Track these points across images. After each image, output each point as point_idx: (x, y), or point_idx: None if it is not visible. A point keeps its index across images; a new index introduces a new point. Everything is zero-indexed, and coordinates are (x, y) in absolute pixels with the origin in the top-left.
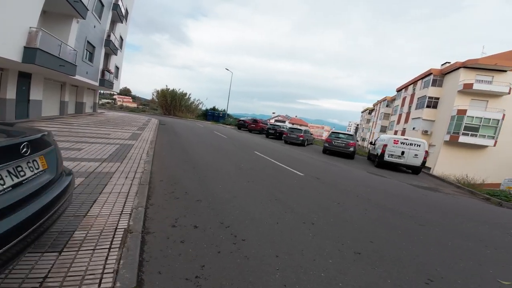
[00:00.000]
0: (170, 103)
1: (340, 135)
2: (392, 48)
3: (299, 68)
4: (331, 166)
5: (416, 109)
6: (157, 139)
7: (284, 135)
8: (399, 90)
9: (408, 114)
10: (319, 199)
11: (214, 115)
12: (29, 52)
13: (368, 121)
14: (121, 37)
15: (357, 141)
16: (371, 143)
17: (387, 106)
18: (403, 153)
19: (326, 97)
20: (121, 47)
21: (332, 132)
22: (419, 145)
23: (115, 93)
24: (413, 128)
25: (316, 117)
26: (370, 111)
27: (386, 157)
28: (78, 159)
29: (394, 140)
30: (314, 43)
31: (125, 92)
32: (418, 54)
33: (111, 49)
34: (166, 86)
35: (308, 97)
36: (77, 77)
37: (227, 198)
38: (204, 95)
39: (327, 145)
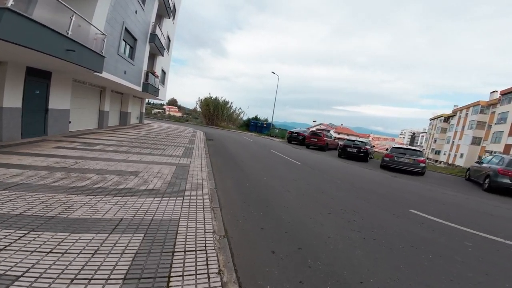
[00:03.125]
0: (213, 112)
1: None
2: (452, 49)
3: (337, 73)
4: None
5: None
6: (216, 181)
7: (387, 158)
8: (505, 93)
9: None
10: None
11: (257, 126)
12: None
13: (444, 130)
14: (168, 36)
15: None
16: None
17: (480, 112)
18: None
19: (368, 102)
20: (168, 48)
21: None
22: None
23: (163, 102)
24: None
25: (356, 125)
26: (447, 118)
27: None
28: None
29: None
30: (355, 47)
31: (172, 102)
32: (485, 55)
33: (157, 48)
34: (209, 94)
35: (346, 103)
36: (105, 75)
37: None
38: (239, 105)
39: (507, 181)
